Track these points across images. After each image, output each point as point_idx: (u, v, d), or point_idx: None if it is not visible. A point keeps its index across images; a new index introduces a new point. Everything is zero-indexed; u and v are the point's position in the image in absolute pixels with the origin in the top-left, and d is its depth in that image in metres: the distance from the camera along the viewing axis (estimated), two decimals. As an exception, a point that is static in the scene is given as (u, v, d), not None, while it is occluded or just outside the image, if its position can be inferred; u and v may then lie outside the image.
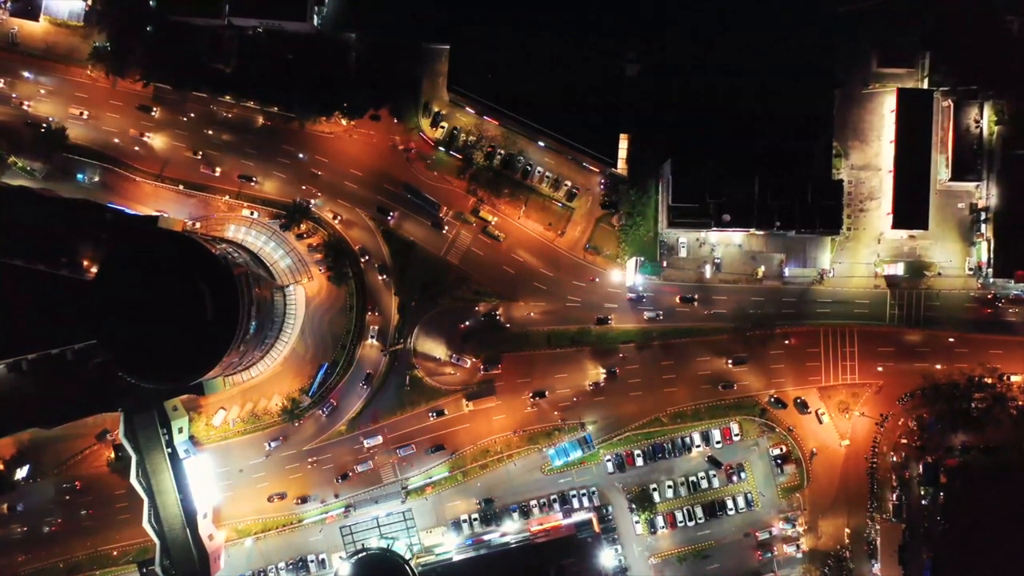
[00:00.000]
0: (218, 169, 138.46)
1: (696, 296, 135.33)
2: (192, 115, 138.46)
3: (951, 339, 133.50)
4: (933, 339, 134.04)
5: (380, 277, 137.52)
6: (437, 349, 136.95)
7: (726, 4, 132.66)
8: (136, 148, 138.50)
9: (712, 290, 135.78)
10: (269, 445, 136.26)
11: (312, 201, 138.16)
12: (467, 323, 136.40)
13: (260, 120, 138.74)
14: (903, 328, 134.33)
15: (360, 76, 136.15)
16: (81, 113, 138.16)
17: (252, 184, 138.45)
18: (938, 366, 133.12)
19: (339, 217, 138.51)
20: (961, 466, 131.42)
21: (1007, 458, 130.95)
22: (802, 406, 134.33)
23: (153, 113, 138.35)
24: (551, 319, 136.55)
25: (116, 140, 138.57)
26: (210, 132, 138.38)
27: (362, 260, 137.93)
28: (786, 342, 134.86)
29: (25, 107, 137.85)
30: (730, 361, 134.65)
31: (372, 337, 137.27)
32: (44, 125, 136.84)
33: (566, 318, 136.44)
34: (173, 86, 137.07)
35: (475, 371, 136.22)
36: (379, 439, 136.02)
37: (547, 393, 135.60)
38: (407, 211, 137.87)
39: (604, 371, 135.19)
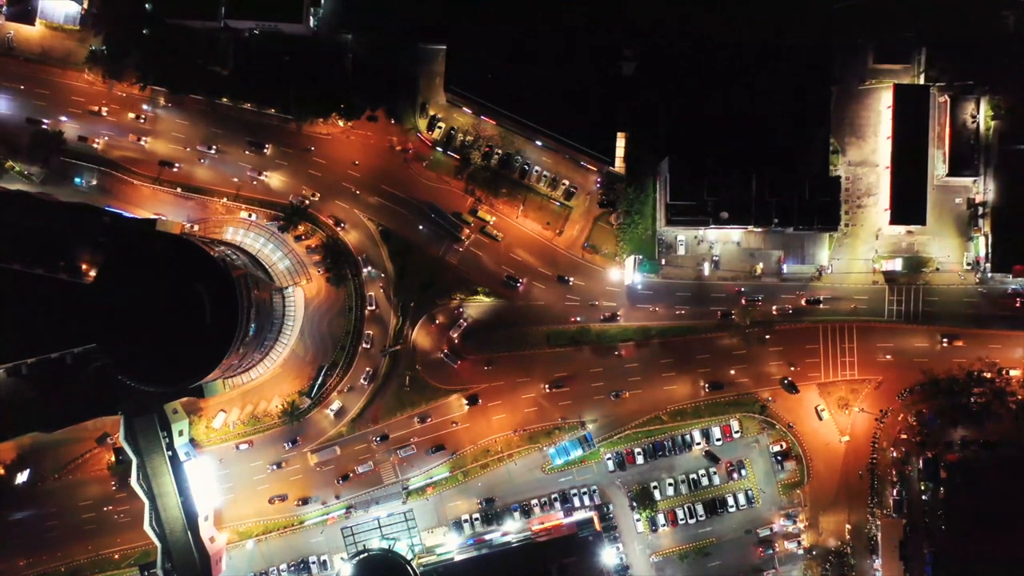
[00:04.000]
0: (307, 201, 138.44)
1: (821, 297, 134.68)
2: (312, 148, 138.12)
3: (944, 334, 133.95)
4: (932, 334, 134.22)
5: (362, 380, 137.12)
6: (469, 312, 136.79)
7: (723, 2, 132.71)
8: (254, 183, 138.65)
9: (711, 288, 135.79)
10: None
11: (369, 269, 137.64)
12: (577, 318, 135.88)
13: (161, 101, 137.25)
14: (902, 323, 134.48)
15: (357, 77, 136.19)
16: (210, 147, 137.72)
17: (339, 228, 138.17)
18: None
19: (374, 306, 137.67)
20: (961, 461, 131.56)
21: (1007, 452, 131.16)
22: (790, 387, 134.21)
23: (265, 150, 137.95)
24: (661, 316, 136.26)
25: (235, 179, 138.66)
26: (346, 185, 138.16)
27: (364, 346, 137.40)
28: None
29: (142, 143, 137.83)
30: (547, 387, 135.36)
31: (331, 410, 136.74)
32: (173, 163, 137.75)
33: (702, 314, 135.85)
34: (170, 89, 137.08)
35: (439, 349, 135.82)
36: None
37: (390, 435, 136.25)
38: (427, 227, 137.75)
39: (467, 402, 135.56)
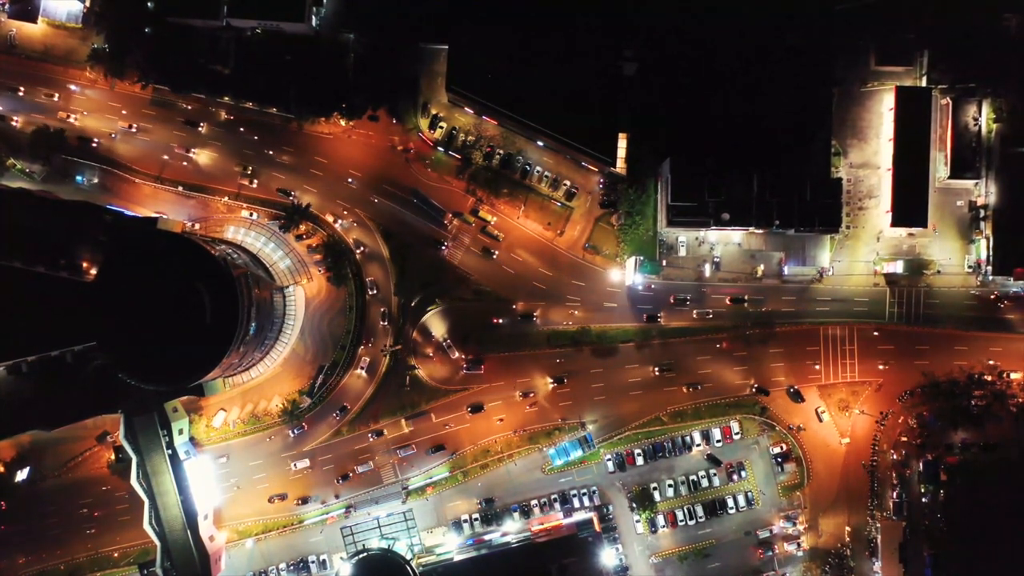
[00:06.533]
0: (255, 182, 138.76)
1: (746, 296, 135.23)
2: (242, 129, 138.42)
3: (945, 337, 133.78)
4: (933, 337, 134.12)
5: (381, 323, 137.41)
6: (437, 332, 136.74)
7: (724, 2, 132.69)
8: (184, 163, 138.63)
9: (712, 289, 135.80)
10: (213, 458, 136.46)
11: (340, 222, 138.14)
12: (501, 320, 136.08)
13: (223, 114, 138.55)
14: (903, 326, 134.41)
15: (358, 77, 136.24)
16: (130, 126, 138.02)
17: (290, 199, 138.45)
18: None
19: (364, 248, 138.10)
20: (961, 463, 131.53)
21: (1007, 455, 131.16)
22: (795, 395, 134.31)
23: (200, 128, 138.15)
24: (587, 318, 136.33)
25: (165, 156, 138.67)
26: (271, 153, 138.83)
27: (370, 293, 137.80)
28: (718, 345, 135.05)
29: (72, 120, 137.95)
30: (656, 369, 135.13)
31: (361, 368, 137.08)
32: (92, 139, 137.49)
33: (608, 319, 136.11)
34: (171, 88, 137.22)
35: (458, 367, 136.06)
36: (307, 462, 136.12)
37: (485, 406, 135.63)
38: (413, 215, 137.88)
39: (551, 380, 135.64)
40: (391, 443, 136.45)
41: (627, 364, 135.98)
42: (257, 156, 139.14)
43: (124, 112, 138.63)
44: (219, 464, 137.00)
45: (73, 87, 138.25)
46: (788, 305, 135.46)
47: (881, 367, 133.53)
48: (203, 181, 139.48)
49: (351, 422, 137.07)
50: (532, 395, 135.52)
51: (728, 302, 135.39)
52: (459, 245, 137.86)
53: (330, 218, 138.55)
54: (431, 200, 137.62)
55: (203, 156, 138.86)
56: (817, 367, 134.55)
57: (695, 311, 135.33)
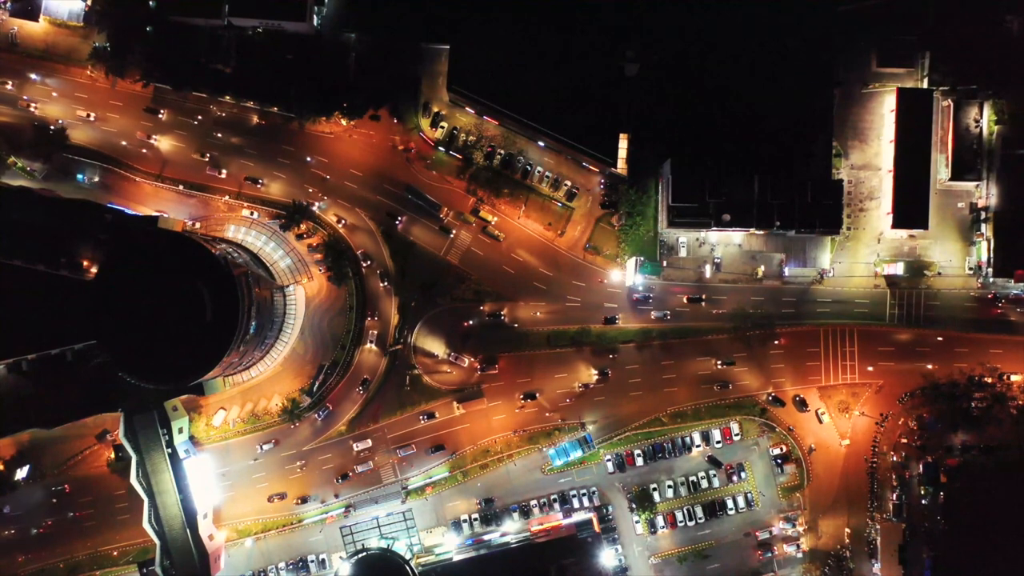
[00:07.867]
0: (224, 171, 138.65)
1: (704, 296, 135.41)
2: (199, 118, 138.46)
3: (945, 339, 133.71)
4: (933, 338, 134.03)
5: (381, 284, 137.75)
6: (437, 347, 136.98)
7: (726, 3, 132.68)
8: (143, 151, 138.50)
9: (712, 290, 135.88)
10: (261, 448, 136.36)
11: (317, 204, 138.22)
12: (471, 322, 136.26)
13: (255, 119, 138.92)
14: (903, 327, 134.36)
15: (360, 76, 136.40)
16: (88, 115, 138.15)
17: (258, 186, 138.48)
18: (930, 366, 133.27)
19: (343, 221, 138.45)
20: (961, 465, 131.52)
21: (1007, 457, 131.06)
22: (801, 404, 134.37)
23: (160, 116, 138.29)
24: (555, 318, 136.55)
25: (124, 143, 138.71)
26: (219, 135, 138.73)
27: (364, 265, 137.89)
28: (775, 342, 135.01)
29: (32, 109, 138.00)
30: (719, 362, 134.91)
31: (371, 342, 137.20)
32: (49, 126, 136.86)
33: (570, 318, 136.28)
34: (173, 86, 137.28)
35: (472, 371, 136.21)
36: (369, 442, 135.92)
37: (538, 395, 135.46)
38: (408, 212, 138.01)
39: (596, 372, 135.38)
40: (392, 442, 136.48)
41: (628, 364, 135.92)
42: (223, 144, 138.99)
43: (74, 97, 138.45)
44: (264, 451, 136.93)
45: (33, 76, 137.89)
46: (788, 306, 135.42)
47: (929, 367, 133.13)
48: (166, 170, 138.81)
49: (353, 421, 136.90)
50: (590, 386, 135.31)
51: (686, 301, 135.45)
52: (449, 242, 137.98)
53: (307, 202, 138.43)
54: (425, 194, 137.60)
55: (164, 143, 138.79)
56: (870, 368, 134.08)
57: (653, 312, 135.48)
